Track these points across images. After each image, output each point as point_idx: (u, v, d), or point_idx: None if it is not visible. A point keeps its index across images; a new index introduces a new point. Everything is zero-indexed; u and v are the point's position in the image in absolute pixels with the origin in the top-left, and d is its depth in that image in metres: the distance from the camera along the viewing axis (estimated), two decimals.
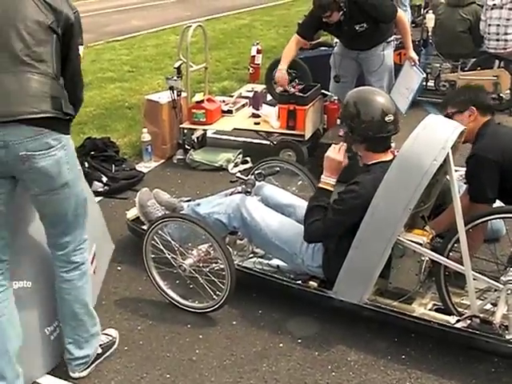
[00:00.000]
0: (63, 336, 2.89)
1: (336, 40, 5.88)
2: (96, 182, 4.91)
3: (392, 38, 5.28)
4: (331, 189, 3.17)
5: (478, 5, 7.01)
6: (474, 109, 3.35)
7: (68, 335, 2.86)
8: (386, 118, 3.01)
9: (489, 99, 3.52)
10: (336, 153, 3.16)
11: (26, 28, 2.40)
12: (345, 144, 3.18)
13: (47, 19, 2.45)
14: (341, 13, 4.84)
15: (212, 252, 3.31)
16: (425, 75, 4.95)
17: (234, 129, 5.65)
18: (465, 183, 3.55)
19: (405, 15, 5.42)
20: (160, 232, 3.37)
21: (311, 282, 3.26)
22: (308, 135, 5.36)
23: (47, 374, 2.91)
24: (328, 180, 3.17)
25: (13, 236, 2.70)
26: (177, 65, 5.50)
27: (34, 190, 2.54)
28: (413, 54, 5.32)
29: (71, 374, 2.90)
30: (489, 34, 6.70)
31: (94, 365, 2.94)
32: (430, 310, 3.18)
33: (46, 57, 2.46)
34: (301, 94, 5.33)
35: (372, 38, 5.08)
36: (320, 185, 3.20)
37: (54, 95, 2.47)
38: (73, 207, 2.65)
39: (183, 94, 5.57)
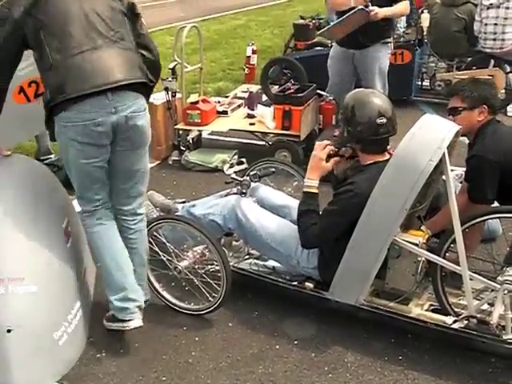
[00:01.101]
0: (72, 339, 2.91)
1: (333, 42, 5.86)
2: None
3: (390, 39, 5.24)
4: (315, 191, 3.15)
5: (473, 4, 7.00)
6: (485, 107, 3.31)
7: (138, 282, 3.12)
8: (378, 121, 2.99)
9: (499, 98, 3.44)
10: (319, 150, 3.16)
11: (106, 14, 2.89)
12: (331, 147, 3.17)
13: (118, 5, 2.96)
14: None
15: (207, 253, 3.29)
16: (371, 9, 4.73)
17: (230, 129, 5.63)
18: (460, 182, 3.55)
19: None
20: (155, 234, 3.35)
21: (307, 284, 3.25)
22: (303, 136, 5.36)
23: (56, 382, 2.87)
24: (310, 183, 3.16)
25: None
26: (171, 66, 5.48)
27: (126, 146, 2.95)
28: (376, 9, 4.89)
29: (133, 324, 3.03)
30: (485, 33, 6.69)
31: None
32: (426, 310, 3.17)
33: (125, 36, 2.95)
34: (296, 95, 5.32)
35: (367, 34, 5.02)
36: (304, 189, 3.19)
37: (140, 65, 2.97)
38: (145, 164, 3.11)
39: (178, 95, 5.56)
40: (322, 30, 5.31)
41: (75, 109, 2.78)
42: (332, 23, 5.03)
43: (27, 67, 4.17)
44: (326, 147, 3.17)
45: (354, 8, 4.82)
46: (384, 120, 3.00)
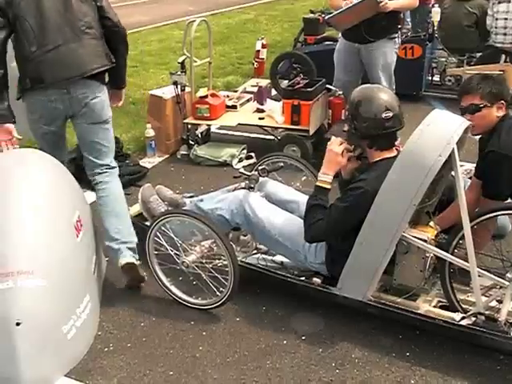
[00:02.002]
0: (81, 332, 2.94)
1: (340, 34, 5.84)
2: None
3: (396, 35, 5.20)
4: (328, 187, 3.14)
5: None
6: (503, 103, 3.28)
7: (111, 229, 3.49)
8: (384, 115, 2.97)
9: (510, 94, 3.42)
10: (336, 145, 3.15)
11: (76, 5, 3.30)
12: (346, 142, 3.16)
13: None
14: None
15: (215, 248, 3.29)
16: None
17: (238, 124, 5.63)
18: (470, 178, 3.52)
19: None
20: (163, 228, 3.35)
21: (315, 279, 3.24)
22: (313, 130, 5.34)
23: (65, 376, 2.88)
24: (324, 178, 3.14)
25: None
26: (181, 60, 5.49)
27: (85, 121, 3.45)
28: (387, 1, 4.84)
29: (123, 260, 3.40)
30: (496, 28, 6.64)
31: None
32: (434, 306, 3.16)
33: (92, 22, 3.36)
34: (305, 89, 5.30)
35: (372, 29, 4.99)
36: (317, 183, 3.18)
37: (104, 52, 3.43)
38: (109, 138, 3.59)
39: (187, 89, 5.56)
40: (330, 16, 5.26)
41: (39, 92, 3.33)
42: (340, 10, 4.98)
43: None
44: (342, 144, 3.15)
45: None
46: (390, 114, 2.98)
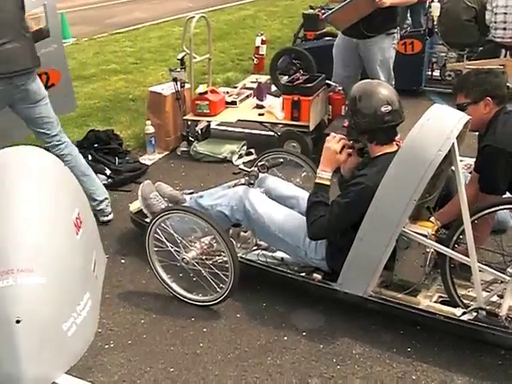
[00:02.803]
0: (81, 330, 2.93)
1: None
2: (99, 175, 4.88)
3: (394, 30, 5.19)
4: (328, 183, 3.14)
5: None
6: (489, 100, 3.28)
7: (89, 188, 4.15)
8: (383, 109, 2.97)
9: (504, 88, 3.41)
10: (333, 142, 3.14)
11: (14, 10, 3.73)
12: (345, 138, 3.15)
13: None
14: None
15: (215, 244, 3.29)
16: None
17: (238, 120, 5.61)
18: (470, 173, 3.52)
19: None
20: (163, 225, 3.34)
21: (315, 275, 3.24)
22: (313, 126, 5.33)
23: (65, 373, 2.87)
24: (323, 174, 3.15)
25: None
26: (180, 56, 5.47)
27: (24, 103, 3.88)
28: None
29: (103, 219, 4.28)
30: (495, 22, 6.62)
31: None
32: (435, 302, 3.15)
33: (25, 25, 3.83)
34: (305, 85, 5.29)
35: (370, 25, 4.98)
36: (316, 180, 3.18)
37: (35, 51, 3.93)
38: (51, 112, 4.04)
39: (187, 86, 5.55)
40: (327, 14, 5.25)
41: None
42: (337, 7, 4.98)
43: None
44: (341, 140, 3.15)
45: None
46: (389, 108, 2.97)
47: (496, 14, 6.59)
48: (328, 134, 3.27)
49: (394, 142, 3.10)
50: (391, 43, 5.18)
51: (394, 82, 5.18)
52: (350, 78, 5.17)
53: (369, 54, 5.17)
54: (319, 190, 3.14)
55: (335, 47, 5.39)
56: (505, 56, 6.66)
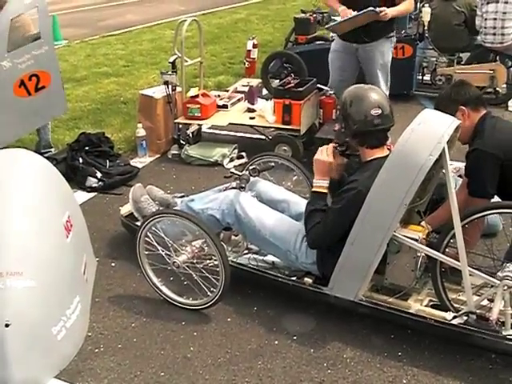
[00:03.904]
0: (71, 334, 2.92)
1: (332, 35, 5.83)
2: (90, 178, 4.88)
3: (392, 33, 5.20)
4: (325, 191, 3.16)
5: None
6: (463, 108, 3.32)
7: None
8: (373, 112, 2.99)
9: (474, 92, 3.43)
10: (324, 154, 3.16)
11: None
12: (331, 144, 3.17)
13: None
14: None
15: (206, 248, 3.28)
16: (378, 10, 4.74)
17: (229, 124, 5.62)
18: (459, 176, 3.53)
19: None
20: (153, 228, 3.33)
21: (306, 279, 3.24)
22: (304, 130, 5.33)
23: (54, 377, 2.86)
24: (320, 183, 3.17)
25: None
26: (172, 59, 5.47)
27: None
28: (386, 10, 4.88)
29: None
30: (485, 28, 6.67)
31: None
32: (426, 306, 3.16)
33: None
34: (296, 89, 5.30)
35: (370, 33, 4.99)
36: (314, 189, 3.19)
37: None
38: None
39: (178, 89, 5.54)
40: (331, 25, 5.27)
41: None
42: (341, 19, 4.99)
43: (28, 60, 4.18)
44: (329, 148, 3.17)
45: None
46: (379, 111, 2.99)
47: (486, 19, 6.64)
48: (319, 138, 3.28)
49: (386, 147, 3.11)
50: (390, 47, 5.21)
51: (389, 85, 5.21)
52: (345, 82, 5.17)
53: (369, 58, 5.17)
54: (316, 199, 3.16)
55: (332, 53, 5.35)
56: (494, 61, 6.70)
